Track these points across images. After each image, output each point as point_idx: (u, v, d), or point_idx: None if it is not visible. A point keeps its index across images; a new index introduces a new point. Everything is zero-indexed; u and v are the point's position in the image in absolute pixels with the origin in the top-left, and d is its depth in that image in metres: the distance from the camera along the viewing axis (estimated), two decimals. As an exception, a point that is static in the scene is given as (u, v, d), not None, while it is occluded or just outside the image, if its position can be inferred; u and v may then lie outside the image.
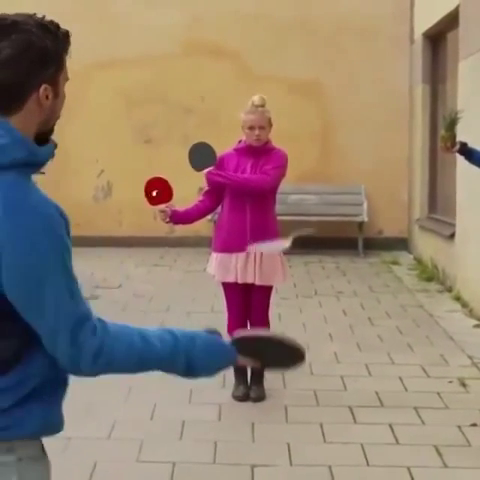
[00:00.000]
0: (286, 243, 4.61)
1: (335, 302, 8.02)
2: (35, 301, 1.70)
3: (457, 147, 5.50)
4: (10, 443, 1.77)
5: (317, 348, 6.08)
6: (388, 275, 9.53)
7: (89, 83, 11.07)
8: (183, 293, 8.35)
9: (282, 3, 11.21)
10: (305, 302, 7.99)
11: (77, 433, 4.28)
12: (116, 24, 11.26)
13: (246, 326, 5.10)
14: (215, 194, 5.17)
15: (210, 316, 7.01)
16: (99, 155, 11.41)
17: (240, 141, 5.19)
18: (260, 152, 5.09)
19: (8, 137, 1.73)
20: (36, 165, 1.79)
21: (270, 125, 5.09)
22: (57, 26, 1.81)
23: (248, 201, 5.04)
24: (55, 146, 1.85)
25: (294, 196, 10.91)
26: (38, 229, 1.69)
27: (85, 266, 8.29)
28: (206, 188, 5.22)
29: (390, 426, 4.70)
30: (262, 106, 5.05)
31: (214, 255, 5.19)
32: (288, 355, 1.94)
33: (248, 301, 5.16)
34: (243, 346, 1.92)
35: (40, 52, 1.75)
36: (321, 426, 4.71)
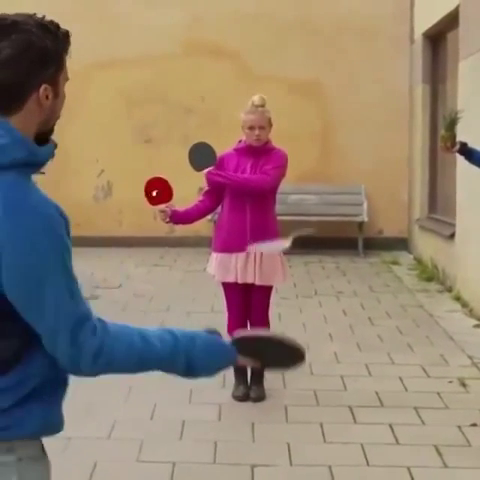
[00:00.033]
0: (286, 243, 4.61)
1: (335, 302, 8.02)
2: (35, 301, 1.70)
3: (457, 147, 5.50)
4: (10, 443, 1.77)
5: (317, 348, 6.08)
6: (388, 275, 9.53)
7: (89, 83, 11.07)
8: (183, 293, 8.35)
9: (282, 3, 11.21)
10: (305, 302, 7.99)
11: (77, 433, 4.28)
12: (116, 24, 11.26)
13: (246, 326, 5.10)
14: (215, 194, 5.17)
15: (210, 316, 7.01)
16: (99, 155, 11.41)
17: (240, 141, 5.19)
18: (260, 152, 5.09)
19: (8, 137, 1.73)
20: (36, 165, 1.79)
21: (270, 125, 5.09)
22: (57, 26, 1.81)
23: (248, 201, 5.03)
24: (55, 146, 1.85)
25: (294, 196, 10.91)
26: (38, 229, 1.68)
27: (85, 266, 8.30)
28: (206, 188, 5.22)
29: (390, 426, 4.70)
30: (262, 106, 5.05)
31: (214, 255, 5.19)
32: (288, 355, 1.94)
33: (248, 301, 5.16)
34: (243, 346, 1.92)
35: (40, 52, 1.75)
36: (321, 426, 4.71)
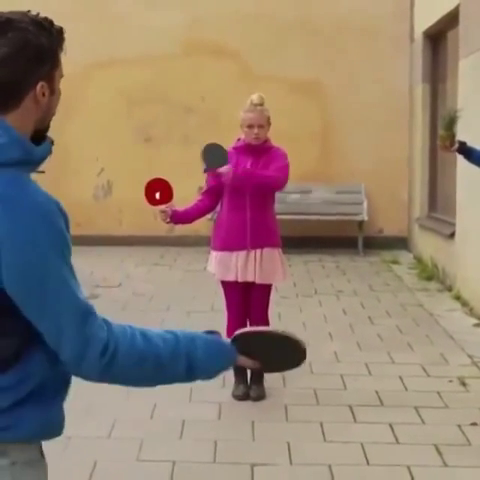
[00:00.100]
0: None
1: (335, 301, 8.02)
2: (36, 297, 1.68)
3: (456, 146, 5.51)
4: (4, 446, 1.74)
5: (317, 347, 6.08)
6: (388, 274, 9.53)
7: (89, 83, 11.07)
8: (183, 292, 8.35)
9: (282, 3, 11.21)
10: (305, 301, 7.99)
11: (77, 432, 4.28)
12: (116, 24, 11.25)
13: (246, 325, 5.10)
14: (214, 193, 5.17)
15: (210, 315, 7.01)
16: (99, 154, 11.41)
17: (239, 139, 5.19)
18: (259, 151, 5.09)
19: (6, 136, 1.73)
20: (33, 164, 1.79)
21: (269, 124, 5.09)
22: (51, 23, 1.81)
23: (248, 200, 5.04)
24: (52, 143, 1.85)
25: (294, 195, 10.91)
26: (38, 225, 1.67)
27: (85, 265, 8.29)
28: (205, 187, 5.22)
29: (390, 425, 4.71)
30: (261, 105, 5.05)
31: (214, 254, 5.19)
32: (290, 350, 1.93)
33: (248, 300, 5.16)
34: (244, 343, 1.91)
35: (36, 50, 1.75)
36: (321, 425, 4.71)
